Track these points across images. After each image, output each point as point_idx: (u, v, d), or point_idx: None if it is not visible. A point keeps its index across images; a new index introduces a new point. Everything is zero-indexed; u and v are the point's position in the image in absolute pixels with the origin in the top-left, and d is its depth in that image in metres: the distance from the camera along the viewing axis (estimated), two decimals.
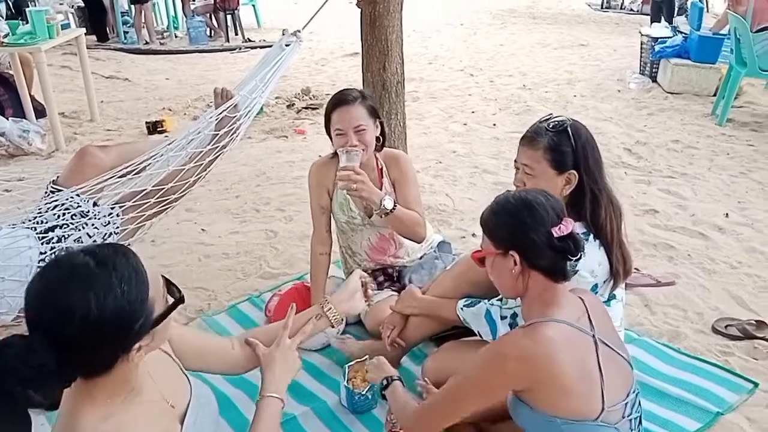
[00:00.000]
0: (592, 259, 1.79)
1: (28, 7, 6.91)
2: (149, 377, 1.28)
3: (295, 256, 3.14)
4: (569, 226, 1.45)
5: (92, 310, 1.05)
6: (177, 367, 1.43)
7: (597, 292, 1.84)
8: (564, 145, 1.81)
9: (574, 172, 1.82)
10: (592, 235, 1.82)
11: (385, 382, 1.77)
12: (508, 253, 1.47)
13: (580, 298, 1.54)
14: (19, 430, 1.06)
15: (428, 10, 11.74)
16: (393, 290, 2.46)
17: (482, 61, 7.82)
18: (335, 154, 2.41)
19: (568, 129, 1.82)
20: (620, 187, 3.49)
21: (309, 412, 2.04)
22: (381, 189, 2.35)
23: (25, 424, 1.07)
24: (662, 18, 8.08)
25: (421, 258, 2.53)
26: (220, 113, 2.78)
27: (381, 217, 2.22)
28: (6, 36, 4.82)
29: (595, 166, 1.83)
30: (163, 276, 1.22)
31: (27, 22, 5.01)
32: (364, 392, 1.99)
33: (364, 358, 2.08)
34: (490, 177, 4.17)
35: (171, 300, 1.22)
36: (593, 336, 1.44)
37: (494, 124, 5.29)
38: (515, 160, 1.92)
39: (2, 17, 7.28)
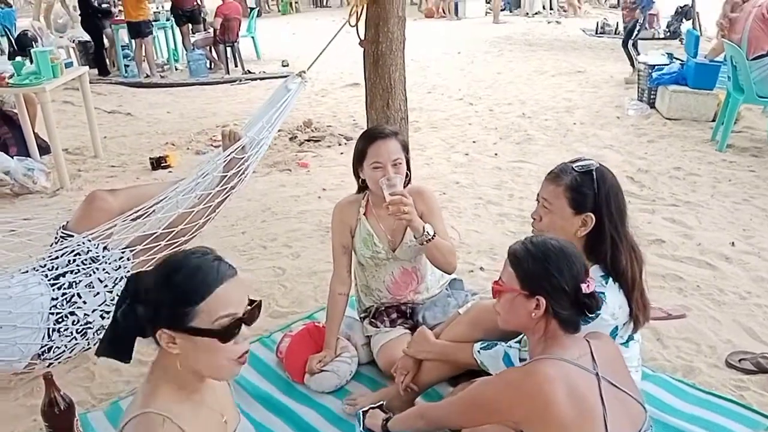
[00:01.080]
0: (613, 303, 1.81)
1: (30, 45, 7.01)
2: (214, 392, 1.44)
3: (304, 294, 3.14)
4: (593, 284, 1.51)
5: (164, 274, 1.28)
6: (231, 393, 1.58)
7: (617, 335, 1.85)
8: (586, 186, 1.84)
9: (592, 215, 1.84)
10: (611, 279, 1.84)
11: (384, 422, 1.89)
12: (534, 297, 1.52)
13: (587, 340, 1.58)
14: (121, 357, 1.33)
15: (425, 39, 11.90)
16: (406, 327, 2.46)
17: (481, 90, 7.91)
18: (360, 190, 2.44)
19: (593, 172, 1.85)
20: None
21: None
22: None
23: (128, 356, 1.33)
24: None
25: (434, 296, 2.53)
26: (228, 155, 2.80)
27: (422, 244, 2.24)
28: (11, 77, 4.86)
29: (617, 213, 1.85)
30: (236, 318, 1.29)
31: (31, 62, 5.07)
32: None
33: (379, 403, 2.07)
34: (494, 208, 4.19)
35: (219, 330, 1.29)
36: (596, 374, 1.48)
37: (496, 154, 5.33)
38: (538, 194, 1.96)
39: (4, 53, 7.37)
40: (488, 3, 16.96)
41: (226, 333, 1.27)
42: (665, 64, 6.35)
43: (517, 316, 1.57)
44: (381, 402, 2.08)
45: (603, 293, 1.77)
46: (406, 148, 2.35)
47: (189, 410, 1.33)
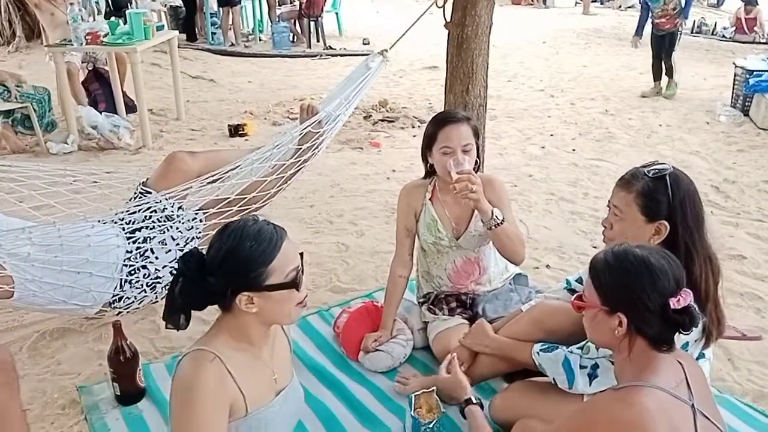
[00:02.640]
0: None
1: (126, 6, 7.29)
2: (272, 350, 1.57)
3: (365, 272, 3.16)
4: (687, 298, 1.36)
5: (232, 246, 1.40)
6: (289, 356, 1.70)
7: (687, 350, 1.76)
8: (659, 193, 1.75)
9: (666, 223, 1.75)
10: None
11: (464, 403, 1.88)
12: (615, 313, 1.39)
13: (679, 361, 1.43)
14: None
15: (510, 26, 11.61)
16: (464, 317, 2.43)
17: (563, 82, 7.68)
18: (428, 175, 2.42)
19: (667, 177, 1.75)
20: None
21: None
22: (474, 211, 2.34)
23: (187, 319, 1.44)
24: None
25: (497, 289, 2.49)
26: (305, 128, 2.83)
27: (490, 228, 2.19)
28: (105, 35, 5.07)
29: (693, 221, 1.75)
30: (299, 268, 1.45)
31: (125, 22, 5.27)
32: (431, 424, 1.97)
33: (432, 389, 2.06)
34: (566, 205, 4.07)
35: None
36: (692, 405, 1.35)
37: (573, 150, 5.17)
38: (609, 201, 1.87)
39: (101, 12, 7.69)
40: None
41: (297, 282, 1.44)
42: (765, 71, 5.97)
43: (600, 333, 1.45)
44: (433, 388, 2.07)
45: None
46: (477, 135, 2.31)
47: (242, 359, 1.45)
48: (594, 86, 7.47)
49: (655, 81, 6.99)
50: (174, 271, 2.61)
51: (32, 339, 2.58)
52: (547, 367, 1.92)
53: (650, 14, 6.83)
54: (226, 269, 1.40)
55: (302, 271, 1.47)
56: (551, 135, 5.59)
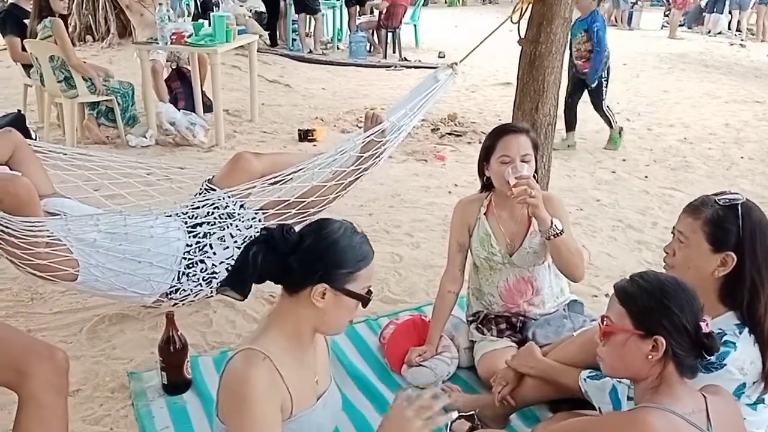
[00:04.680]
0: (745, 355, 1.62)
1: (212, 9, 7.57)
2: (315, 354, 1.59)
3: (417, 285, 3.14)
4: (709, 323, 1.39)
5: (337, 238, 1.45)
6: (328, 361, 1.71)
7: (744, 393, 1.65)
8: (729, 222, 1.66)
9: (733, 254, 1.65)
10: (747, 329, 1.65)
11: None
12: (652, 337, 1.38)
13: (704, 395, 1.42)
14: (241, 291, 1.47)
15: None
16: (513, 341, 2.37)
17: (642, 106, 7.42)
18: (484, 188, 2.39)
19: (738, 207, 1.66)
20: None
21: None
22: (529, 227, 2.31)
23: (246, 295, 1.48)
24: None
25: (550, 314, 2.42)
26: (368, 136, 2.84)
27: (549, 239, 2.16)
28: (190, 36, 5.29)
29: (762, 255, 1.65)
30: (371, 290, 1.50)
31: (209, 24, 5.48)
32: None
33: (470, 413, 2.02)
34: (633, 233, 3.92)
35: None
36: None
37: (646, 177, 4.98)
38: (674, 227, 1.79)
39: (190, 14, 8.02)
40: (666, 15, 15.85)
41: (367, 300, 1.49)
42: None
43: (628, 360, 1.43)
44: (473, 411, 2.02)
45: (734, 343, 1.60)
46: (537, 147, 2.28)
47: (289, 360, 1.47)
48: (674, 112, 7.19)
49: (567, 131, 5.67)
50: (230, 268, 2.71)
51: (92, 322, 2.70)
52: (593, 395, 1.84)
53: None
54: (324, 256, 1.43)
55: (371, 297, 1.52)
56: (623, 160, 5.41)
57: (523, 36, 3.40)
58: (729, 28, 14.78)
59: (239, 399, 1.37)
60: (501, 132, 2.29)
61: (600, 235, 3.88)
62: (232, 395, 1.40)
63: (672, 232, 1.80)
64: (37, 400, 1.55)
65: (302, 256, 1.43)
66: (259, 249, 1.42)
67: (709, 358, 1.41)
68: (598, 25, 5.23)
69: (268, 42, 9.88)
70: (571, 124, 5.67)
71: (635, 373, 1.45)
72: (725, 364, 1.58)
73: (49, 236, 2.28)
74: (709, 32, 14.69)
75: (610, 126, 5.70)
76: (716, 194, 1.73)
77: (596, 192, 4.61)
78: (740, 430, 1.47)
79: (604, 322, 1.49)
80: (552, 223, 2.13)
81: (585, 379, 1.90)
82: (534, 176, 2.25)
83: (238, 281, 1.45)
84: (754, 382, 1.66)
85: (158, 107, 5.42)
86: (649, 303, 1.40)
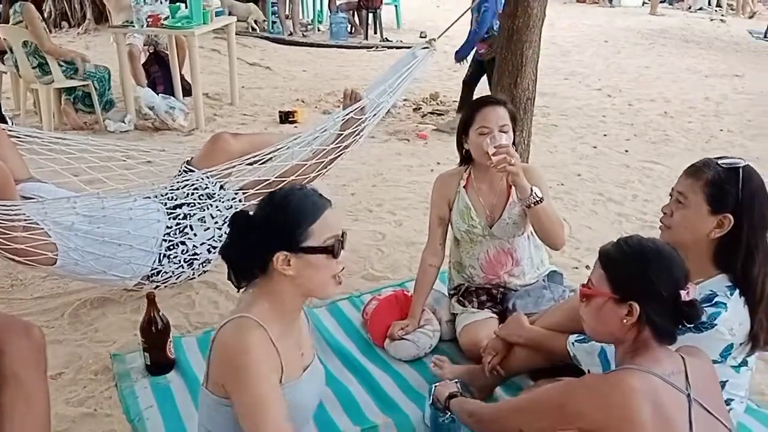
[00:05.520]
0: (735, 317, 1.66)
1: None
2: (300, 329, 1.60)
3: (400, 262, 3.15)
4: (693, 291, 1.39)
5: (277, 204, 1.46)
6: (312, 337, 1.71)
7: (730, 354, 1.69)
8: (729, 184, 1.68)
9: (731, 216, 1.67)
10: (738, 291, 1.68)
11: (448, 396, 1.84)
12: (627, 303, 1.40)
13: (682, 356, 1.45)
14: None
15: (572, 24, 11.33)
16: (493, 312, 2.39)
17: (623, 82, 7.44)
18: (463, 162, 2.40)
19: (740, 170, 1.68)
20: None
21: (390, 425, 2.02)
22: (509, 198, 2.33)
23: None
24: None
25: (530, 285, 2.44)
26: (347, 114, 2.83)
27: (529, 207, 2.18)
28: (166, 18, 5.22)
29: (759, 220, 1.68)
30: (341, 236, 1.47)
31: (186, 6, 5.40)
32: (449, 416, 1.95)
33: (455, 380, 2.04)
34: (614, 206, 3.96)
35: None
36: (688, 395, 1.35)
37: (626, 151, 5.02)
38: (672, 188, 1.81)
39: None
40: None
41: (334, 250, 1.45)
42: None
43: (605, 323, 1.46)
44: (456, 380, 2.04)
45: (725, 304, 1.64)
46: (514, 119, 2.29)
47: (278, 331, 1.46)
48: (655, 87, 7.22)
49: (458, 113, 5.31)
50: (211, 249, 2.70)
51: (74, 306, 2.69)
52: (582, 358, 1.87)
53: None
54: (269, 226, 1.44)
55: (343, 245, 1.48)
56: (605, 135, 5.44)
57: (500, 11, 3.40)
58: (709, 4, 14.83)
59: (240, 369, 1.36)
60: (479, 104, 2.30)
61: (581, 208, 3.91)
62: (231, 366, 1.38)
63: (670, 194, 1.81)
64: (17, 378, 1.55)
65: (257, 232, 1.44)
66: (226, 243, 1.48)
67: (688, 325, 1.43)
68: (488, 6, 4.93)
69: (263, 19, 9.80)
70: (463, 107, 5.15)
71: (612, 336, 1.47)
72: (716, 324, 1.62)
73: (26, 220, 2.27)
74: (690, 8, 14.73)
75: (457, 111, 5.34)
76: (718, 157, 1.75)
77: (577, 167, 4.64)
78: (716, 390, 1.49)
79: (585, 285, 1.51)
80: (532, 190, 2.14)
81: (573, 343, 1.92)
82: (513, 146, 2.26)
83: (229, 274, 1.51)
84: (741, 344, 1.70)
85: (136, 91, 5.36)
86: (628, 269, 1.42)
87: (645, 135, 5.46)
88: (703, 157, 1.79)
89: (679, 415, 1.33)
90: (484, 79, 5.22)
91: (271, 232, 1.44)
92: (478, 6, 4.88)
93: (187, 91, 5.86)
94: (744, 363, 1.76)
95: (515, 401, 1.63)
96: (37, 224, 2.30)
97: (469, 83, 5.45)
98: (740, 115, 6.12)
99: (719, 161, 1.72)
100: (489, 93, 5.00)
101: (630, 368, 1.38)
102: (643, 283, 1.39)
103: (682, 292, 1.36)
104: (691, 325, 1.43)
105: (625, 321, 1.41)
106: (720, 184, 1.68)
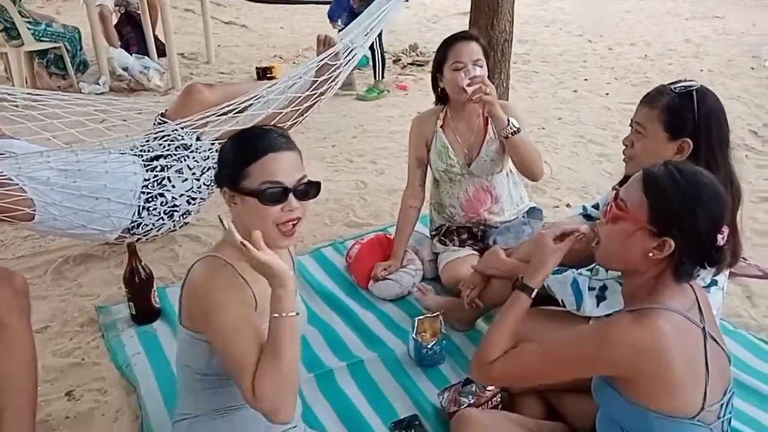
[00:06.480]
0: None
1: None
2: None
3: (382, 209, 3.16)
4: (726, 234, 1.26)
5: (230, 143, 1.44)
6: (293, 275, 1.56)
7: (698, 275, 1.70)
8: (685, 109, 1.66)
9: (689, 141, 1.67)
10: None
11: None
12: (662, 238, 1.23)
13: (690, 285, 1.34)
14: None
15: None
16: (475, 249, 2.42)
17: (604, 28, 7.39)
18: (439, 101, 2.38)
19: (694, 93, 1.66)
20: (739, 170, 3.24)
21: (376, 359, 2.06)
22: (485, 136, 2.33)
23: None
24: None
25: (510, 221, 2.46)
26: (321, 60, 2.80)
27: (506, 138, 2.17)
28: None
29: (717, 141, 1.67)
30: (280, 187, 1.36)
31: None
32: (432, 346, 1.99)
33: (435, 314, 2.07)
34: (595, 147, 3.97)
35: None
36: (703, 328, 1.29)
37: (607, 94, 5.01)
38: (631, 119, 1.80)
39: None
40: None
41: (267, 196, 1.35)
42: None
43: (627, 251, 1.28)
44: (437, 313, 2.08)
45: None
46: (487, 56, 2.27)
47: (250, 269, 1.37)
48: (635, 32, 7.18)
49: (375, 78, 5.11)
50: (191, 200, 2.69)
51: (56, 263, 2.68)
52: (555, 289, 1.88)
53: None
54: (219, 160, 1.46)
55: (296, 195, 1.38)
56: (585, 79, 5.43)
57: None
58: None
59: (207, 306, 1.35)
60: (451, 41, 2.27)
61: (562, 150, 3.92)
62: (198, 300, 1.38)
63: (630, 125, 1.81)
64: (1, 324, 1.55)
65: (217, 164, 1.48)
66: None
67: (709, 268, 1.31)
68: None
69: None
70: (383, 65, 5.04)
71: (630, 265, 1.32)
72: None
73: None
74: None
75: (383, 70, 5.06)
76: (672, 83, 1.73)
77: (558, 111, 4.63)
78: (714, 316, 1.41)
79: (618, 204, 1.30)
80: (509, 122, 2.14)
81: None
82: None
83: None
84: None
85: (109, 53, 5.25)
86: (676, 204, 1.23)
87: (625, 78, 5.46)
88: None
89: (698, 350, 1.27)
90: None
91: (219, 165, 1.45)
92: None
93: (162, 51, 5.74)
94: (714, 283, 1.78)
95: (536, 355, 1.41)
96: (12, 180, 2.27)
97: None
98: (720, 56, 6.11)
99: (673, 86, 1.69)
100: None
101: (655, 309, 1.25)
102: (690, 225, 1.22)
103: (719, 237, 1.24)
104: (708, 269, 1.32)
105: (651, 255, 1.25)
106: (675, 109, 1.67)
